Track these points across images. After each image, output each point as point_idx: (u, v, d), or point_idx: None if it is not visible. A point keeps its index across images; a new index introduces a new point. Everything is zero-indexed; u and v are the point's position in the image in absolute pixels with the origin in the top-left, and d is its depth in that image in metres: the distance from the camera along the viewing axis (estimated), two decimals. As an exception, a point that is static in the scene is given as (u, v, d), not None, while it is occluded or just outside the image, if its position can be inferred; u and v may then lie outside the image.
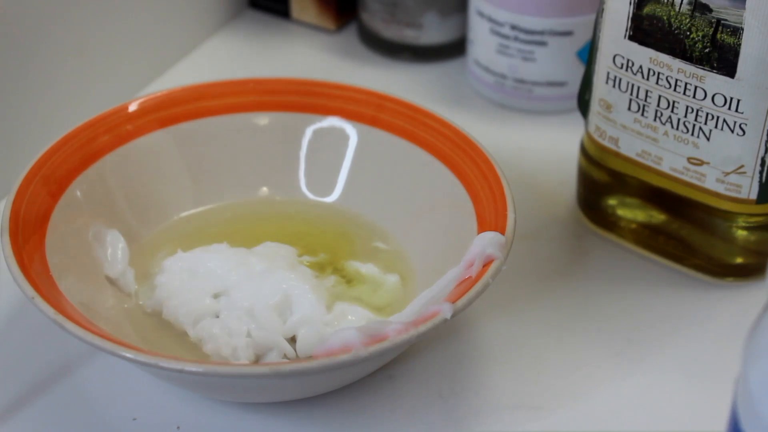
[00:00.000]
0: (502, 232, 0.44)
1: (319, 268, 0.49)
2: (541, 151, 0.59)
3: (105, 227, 0.49)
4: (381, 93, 0.52)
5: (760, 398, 0.28)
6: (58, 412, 0.45)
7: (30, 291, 0.41)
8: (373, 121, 0.52)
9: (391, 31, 0.66)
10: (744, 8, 0.43)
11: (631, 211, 0.52)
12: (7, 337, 0.48)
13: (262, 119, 0.53)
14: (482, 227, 0.46)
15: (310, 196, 0.53)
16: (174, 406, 0.45)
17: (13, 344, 0.48)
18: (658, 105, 0.48)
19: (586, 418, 0.45)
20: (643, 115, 0.49)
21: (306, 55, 0.67)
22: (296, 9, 0.70)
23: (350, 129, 0.52)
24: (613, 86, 0.49)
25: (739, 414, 0.29)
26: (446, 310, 0.41)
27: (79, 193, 0.48)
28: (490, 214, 0.46)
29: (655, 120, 0.48)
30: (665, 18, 0.46)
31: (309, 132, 0.53)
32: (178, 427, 0.44)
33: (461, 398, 0.45)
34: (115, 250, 0.48)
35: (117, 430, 0.44)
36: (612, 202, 0.52)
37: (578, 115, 0.53)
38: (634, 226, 0.52)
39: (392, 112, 0.52)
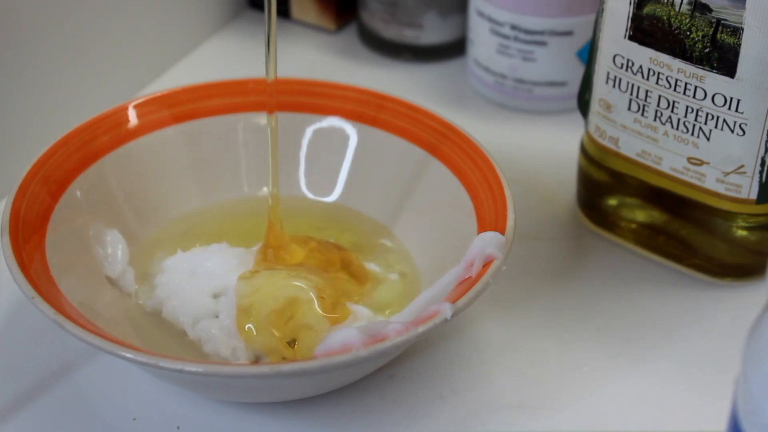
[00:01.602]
0: (502, 233, 0.44)
1: (322, 264, 0.49)
2: (541, 151, 0.59)
3: (105, 227, 0.49)
4: (381, 93, 0.52)
5: (761, 398, 0.28)
6: (58, 412, 0.45)
7: (30, 291, 0.41)
8: (373, 121, 0.52)
9: (391, 31, 0.66)
10: (744, 8, 0.43)
11: (631, 211, 0.52)
12: (7, 337, 0.48)
13: (263, 119, 0.53)
14: (482, 227, 0.46)
15: (310, 195, 0.53)
16: (174, 406, 0.45)
17: (13, 344, 0.48)
18: (658, 105, 0.48)
19: (586, 418, 0.45)
20: (643, 115, 0.49)
21: (306, 55, 0.67)
22: (296, 9, 0.70)
23: (350, 129, 0.52)
24: (613, 86, 0.49)
25: (739, 414, 0.29)
26: (446, 310, 0.41)
27: (79, 193, 0.48)
28: (490, 214, 0.46)
29: (655, 120, 0.48)
30: (665, 18, 0.46)
31: (309, 132, 0.53)
32: (178, 427, 0.44)
33: (461, 398, 0.45)
34: (115, 250, 0.48)
35: (117, 430, 0.44)
36: (612, 202, 0.52)
37: (578, 115, 0.53)
38: (634, 226, 0.52)
39: (392, 112, 0.52)
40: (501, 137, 0.59)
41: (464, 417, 0.45)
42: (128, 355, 0.39)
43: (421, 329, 0.40)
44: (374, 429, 0.44)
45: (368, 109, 0.52)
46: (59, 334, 0.47)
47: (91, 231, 0.48)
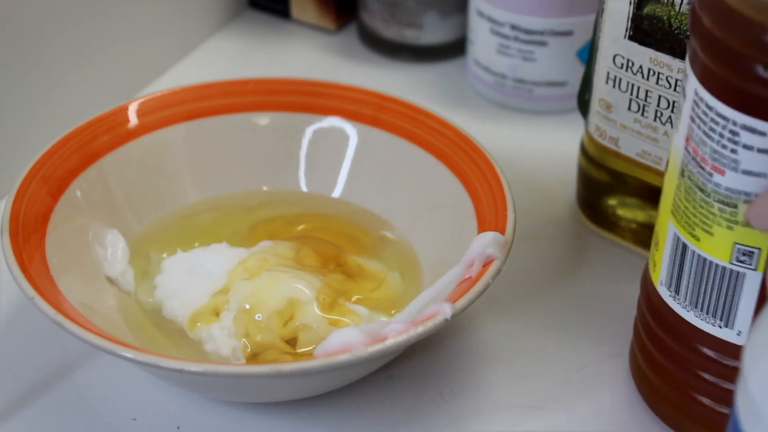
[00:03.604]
0: (502, 232, 0.44)
1: (321, 264, 0.49)
2: (541, 151, 0.59)
3: (105, 227, 0.49)
4: (381, 93, 0.52)
5: (761, 398, 0.28)
6: (58, 411, 0.45)
7: (30, 291, 0.41)
8: (373, 121, 0.52)
9: (391, 31, 0.66)
10: (744, 8, 0.43)
11: (631, 211, 0.52)
12: (8, 337, 0.48)
13: (263, 119, 0.53)
14: (482, 227, 0.46)
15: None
16: (174, 406, 0.45)
17: (14, 344, 0.48)
18: (659, 105, 0.48)
19: (587, 418, 0.45)
20: (643, 115, 0.49)
21: (306, 55, 0.67)
22: (296, 9, 0.70)
23: (350, 129, 0.52)
24: (613, 86, 0.49)
25: (739, 414, 0.29)
26: (446, 310, 0.41)
27: (79, 193, 0.48)
28: (490, 214, 0.46)
29: (655, 120, 0.48)
30: (665, 18, 0.46)
31: (309, 132, 0.53)
32: (178, 427, 0.44)
33: (461, 398, 0.45)
34: (115, 250, 0.48)
35: (117, 430, 0.44)
36: (612, 202, 0.52)
37: (578, 115, 0.53)
38: (634, 225, 0.52)
39: (392, 112, 0.51)
40: (501, 137, 0.59)
41: (464, 417, 0.45)
42: (128, 354, 0.39)
43: (420, 329, 0.40)
44: (374, 429, 0.44)
45: (368, 109, 0.52)
46: (59, 334, 0.47)
47: (91, 231, 0.48)
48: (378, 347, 0.40)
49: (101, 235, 0.48)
